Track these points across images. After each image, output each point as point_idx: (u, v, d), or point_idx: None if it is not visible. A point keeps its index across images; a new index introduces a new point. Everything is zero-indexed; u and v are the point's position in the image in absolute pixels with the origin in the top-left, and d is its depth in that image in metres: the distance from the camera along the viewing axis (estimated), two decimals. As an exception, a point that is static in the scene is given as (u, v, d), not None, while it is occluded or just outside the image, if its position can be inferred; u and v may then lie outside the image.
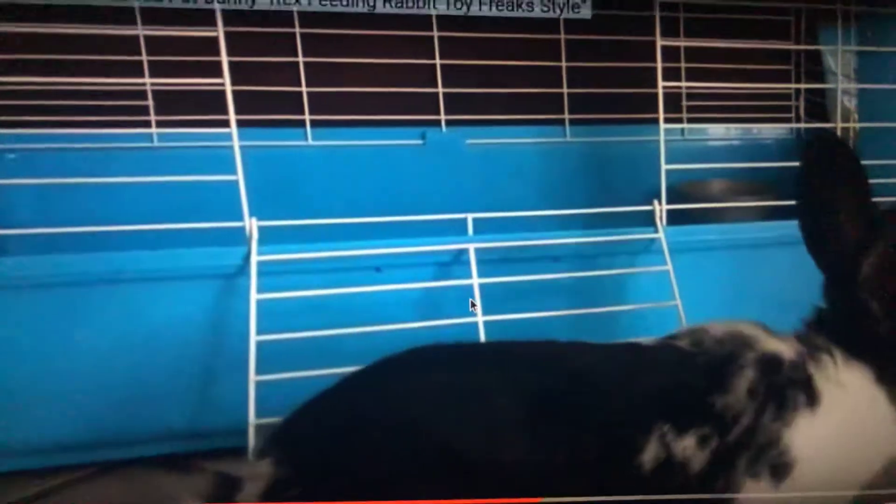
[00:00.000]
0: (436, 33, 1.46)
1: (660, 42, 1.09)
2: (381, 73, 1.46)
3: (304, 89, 1.43)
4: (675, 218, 1.10)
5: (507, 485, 0.62)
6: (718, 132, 1.61)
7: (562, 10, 1.02)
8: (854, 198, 0.68)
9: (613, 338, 0.77)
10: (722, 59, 1.47)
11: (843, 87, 1.30)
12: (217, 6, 0.93)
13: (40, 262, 0.92)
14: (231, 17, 0.98)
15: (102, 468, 1.00)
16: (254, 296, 0.92)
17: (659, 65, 1.09)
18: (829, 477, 0.65)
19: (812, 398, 0.66)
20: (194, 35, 0.95)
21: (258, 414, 0.85)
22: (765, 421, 0.64)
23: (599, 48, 1.50)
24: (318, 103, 1.44)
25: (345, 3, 0.98)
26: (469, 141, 1.49)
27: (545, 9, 1.02)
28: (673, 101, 1.54)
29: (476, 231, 1.03)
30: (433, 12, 1.01)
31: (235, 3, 0.95)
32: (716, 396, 0.65)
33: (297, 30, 1.40)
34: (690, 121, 1.56)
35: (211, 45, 0.94)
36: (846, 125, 1.27)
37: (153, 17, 1.28)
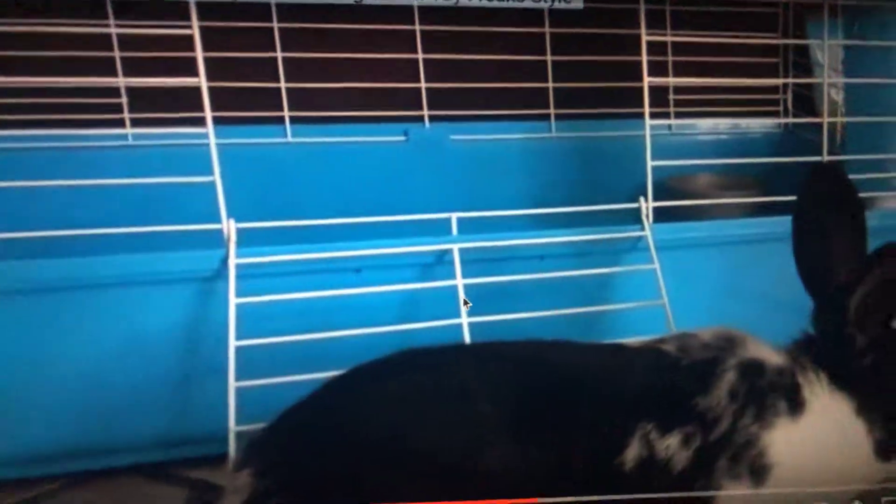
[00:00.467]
0: (418, 27, 1.44)
1: (645, 36, 1.07)
2: (363, 68, 1.45)
3: (282, 85, 1.41)
4: (662, 212, 1.09)
5: (489, 489, 0.62)
6: (706, 126, 1.60)
7: (553, 0, 1.00)
8: (848, 232, 0.70)
9: (601, 337, 0.76)
10: (709, 53, 1.46)
11: (830, 81, 1.29)
12: None
13: (7, 268, 0.90)
14: (207, 11, 0.96)
15: (78, 479, 0.98)
16: (232, 300, 0.90)
17: (644, 59, 1.08)
18: (804, 486, 0.66)
19: (795, 406, 0.67)
20: (169, 33, 0.93)
21: (239, 420, 0.84)
22: (744, 422, 0.65)
23: (585, 42, 1.49)
24: (297, 99, 1.42)
25: None
26: (453, 137, 1.48)
27: None
28: (660, 95, 1.53)
29: (460, 229, 1.02)
30: (423, 2, 0.99)
31: None
32: (698, 398, 0.66)
33: (276, 24, 1.38)
34: (678, 115, 1.55)
35: (186, 41, 0.92)
36: (833, 119, 1.27)
37: (126, 12, 1.25)
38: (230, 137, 1.25)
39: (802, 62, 1.57)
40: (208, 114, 0.94)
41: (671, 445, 0.64)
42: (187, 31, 0.90)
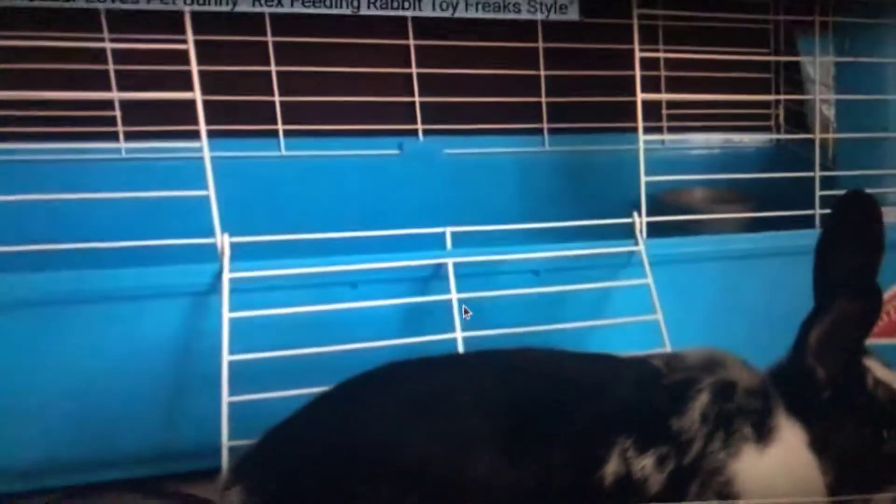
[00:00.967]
0: (412, 41, 1.44)
1: (638, 52, 1.08)
2: (357, 82, 1.45)
3: (276, 98, 1.41)
4: (656, 226, 1.09)
5: (477, 501, 0.62)
6: (699, 141, 1.61)
7: (549, 11, 1.01)
8: (860, 261, 0.68)
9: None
10: (702, 69, 1.47)
11: (822, 98, 1.30)
12: (186, 8, 0.90)
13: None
14: (202, 25, 0.96)
15: (72, 493, 0.97)
16: (226, 314, 0.90)
17: (637, 74, 1.08)
18: None
19: (761, 432, 0.67)
20: (163, 48, 0.93)
21: (232, 435, 0.83)
22: (713, 447, 0.65)
23: (578, 56, 1.50)
24: (291, 113, 1.42)
25: (328, 3, 0.96)
26: (447, 151, 1.48)
27: (531, 9, 1.01)
28: (653, 110, 1.53)
29: (454, 243, 1.02)
30: (418, 13, 0.99)
31: (216, 3, 0.92)
32: (674, 418, 0.66)
33: (270, 38, 1.38)
34: (671, 130, 1.56)
35: (181, 54, 0.92)
36: (825, 135, 1.27)
37: (121, 26, 1.25)
38: (224, 151, 1.25)
39: (794, 78, 1.57)
40: (203, 131, 0.94)
41: (646, 466, 0.64)
42: (182, 46, 0.90)
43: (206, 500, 0.96)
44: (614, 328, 1.01)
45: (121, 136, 1.32)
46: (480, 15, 1.01)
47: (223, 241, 0.94)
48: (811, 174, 1.16)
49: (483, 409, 0.65)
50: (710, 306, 1.09)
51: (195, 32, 0.92)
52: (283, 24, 1.38)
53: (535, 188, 1.50)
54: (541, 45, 1.49)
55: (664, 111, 1.57)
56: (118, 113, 1.32)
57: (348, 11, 0.98)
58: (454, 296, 0.97)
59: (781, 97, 1.59)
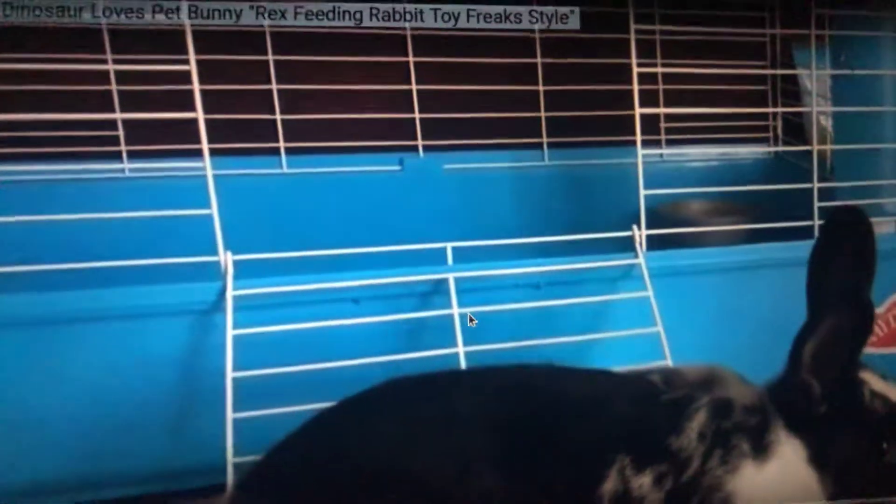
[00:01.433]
0: (412, 59, 1.45)
1: (636, 66, 1.09)
2: (358, 99, 1.46)
3: (278, 116, 1.42)
4: (655, 239, 1.10)
5: None
6: (697, 154, 1.61)
7: (550, 22, 1.01)
8: (853, 275, 0.68)
9: (597, 366, 0.76)
10: (700, 82, 1.48)
11: (819, 110, 1.31)
12: (187, 22, 0.91)
13: (3, 301, 0.89)
14: (203, 43, 0.97)
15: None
16: (230, 331, 0.90)
17: (635, 89, 1.09)
18: None
19: (759, 449, 0.66)
20: (166, 69, 0.94)
21: (237, 451, 0.84)
22: (711, 464, 0.65)
23: (577, 72, 1.50)
24: (293, 130, 1.43)
25: (331, 17, 0.96)
26: (447, 166, 1.49)
27: (533, 20, 1.01)
28: (652, 123, 1.54)
29: (455, 258, 1.02)
30: (420, 25, 0.99)
31: (220, 17, 0.93)
32: (672, 436, 0.66)
33: (271, 57, 1.39)
34: (669, 143, 1.56)
35: (183, 74, 0.93)
36: (822, 147, 1.28)
37: (123, 44, 1.26)
38: (226, 169, 1.26)
39: (792, 90, 1.58)
40: (205, 150, 0.94)
41: (645, 484, 0.63)
42: (185, 67, 0.91)
43: (211, 517, 0.96)
44: (615, 341, 1.01)
45: (124, 155, 1.33)
46: (482, 26, 1.01)
47: (226, 259, 0.94)
48: (809, 185, 1.16)
49: (482, 426, 0.65)
50: (710, 318, 1.09)
51: (198, 52, 0.93)
52: (284, 42, 1.39)
53: (535, 202, 1.50)
54: (539, 60, 1.50)
55: (662, 125, 1.57)
56: (121, 133, 1.33)
57: (351, 24, 0.98)
58: (455, 310, 0.98)
59: (780, 109, 1.60)
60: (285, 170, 1.42)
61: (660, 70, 1.42)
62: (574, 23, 1.03)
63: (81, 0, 0.89)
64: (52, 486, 0.95)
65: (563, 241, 1.09)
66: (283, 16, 0.96)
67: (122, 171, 1.31)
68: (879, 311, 1.18)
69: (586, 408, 0.68)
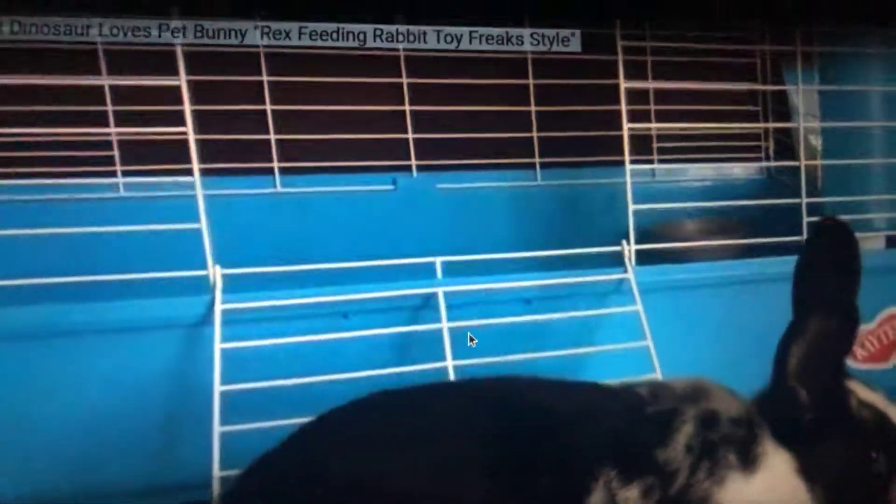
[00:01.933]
0: (405, 80, 1.47)
1: (623, 85, 1.10)
2: (351, 119, 1.47)
3: (272, 137, 1.43)
4: (649, 259, 1.10)
5: None
6: (689, 172, 1.62)
7: (551, 44, 1.02)
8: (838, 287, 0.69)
9: (587, 379, 0.76)
10: (691, 101, 1.49)
11: (808, 127, 1.32)
12: (178, 41, 0.92)
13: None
14: (199, 64, 0.98)
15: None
16: (218, 345, 0.90)
17: (623, 107, 1.10)
18: None
19: (746, 461, 0.66)
20: (158, 84, 0.95)
21: (224, 465, 0.83)
22: (698, 477, 0.64)
23: (568, 92, 1.52)
24: (286, 150, 1.44)
25: (335, 38, 0.97)
26: (440, 186, 1.49)
27: (534, 42, 1.02)
28: (644, 142, 1.55)
29: (447, 274, 1.03)
30: (423, 46, 1.00)
31: (225, 37, 0.94)
32: (658, 449, 0.65)
33: (265, 77, 1.41)
34: (661, 161, 1.57)
35: (178, 93, 0.94)
36: (810, 163, 1.29)
37: (119, 65, 1.28)
38: (221, 188, 1.27)
39: (782, 111, 1.59)
40: (195, 165, 0.95)
41: (631, 497, 0.63)
42: (175, 82, 0.92)
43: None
44: (605, 355, 1.01)
45: (119, 173, 1.34)
46: (484, 47, 1.01)
47: (215, 273, 0.95)
48: (798, 200, 1.17)
49: (468, 439, 0.65)
50: (700, 332, 1.09)
51: (194, 72, 0.94)
52: (279, 63, 1.41)
53: (528, 222, 1.51)
54: (531, 81, 1.51)
55: (654, 144, 1.58)
56: (116, 151, 1.34)
57: (355, 44, 0.98)
58: (445, 325, 0.98)
59: (770, 125, 1.61)
60: (279, 189, 1.43)
61: (651, 85, 1.43)
62: (575, 45, 1.03)
63: (89, 19, 0.90)
64: (35, 500, 0.94)
65: (554, 258, 1.09)
66: (287, 36, 0.96)
67: (118, 188, 1.32)
68: (871, 326, 1.17)
69: (572, 420, 0.68)
